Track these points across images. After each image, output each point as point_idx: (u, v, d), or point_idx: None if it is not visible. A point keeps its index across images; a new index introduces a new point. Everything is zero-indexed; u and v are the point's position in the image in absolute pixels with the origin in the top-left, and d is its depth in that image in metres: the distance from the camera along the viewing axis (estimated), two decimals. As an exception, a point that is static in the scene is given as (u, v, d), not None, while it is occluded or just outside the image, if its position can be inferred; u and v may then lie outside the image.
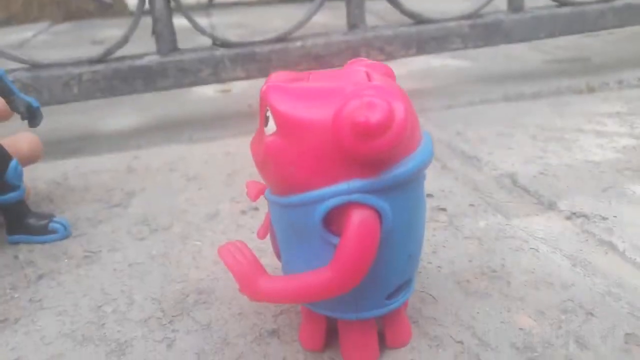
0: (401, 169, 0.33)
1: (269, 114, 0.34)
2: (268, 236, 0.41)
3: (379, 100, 0.30)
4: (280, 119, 0.33)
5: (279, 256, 0.39)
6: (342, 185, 0.32)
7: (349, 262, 0.32)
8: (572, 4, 1.04)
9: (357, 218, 0.32)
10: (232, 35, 0.91)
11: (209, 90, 1.18)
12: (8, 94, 0.56)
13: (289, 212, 0.35)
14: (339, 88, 0.33)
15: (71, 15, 2.62)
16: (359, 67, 0.38)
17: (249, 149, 0.37)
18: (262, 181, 0.38)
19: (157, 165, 0.75)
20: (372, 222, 0.33)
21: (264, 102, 0.34)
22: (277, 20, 2.15)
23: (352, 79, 0.35)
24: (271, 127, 0.33)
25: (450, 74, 1.20)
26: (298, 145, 0.33)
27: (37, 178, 0.73)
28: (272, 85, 0.34)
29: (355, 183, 0.32)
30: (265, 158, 0.34)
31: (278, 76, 0.36)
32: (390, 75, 0.39)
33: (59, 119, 1.00)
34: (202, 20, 2.13)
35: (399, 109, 0.31)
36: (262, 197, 0.40)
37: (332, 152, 0.32)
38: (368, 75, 0.36)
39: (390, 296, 0.36)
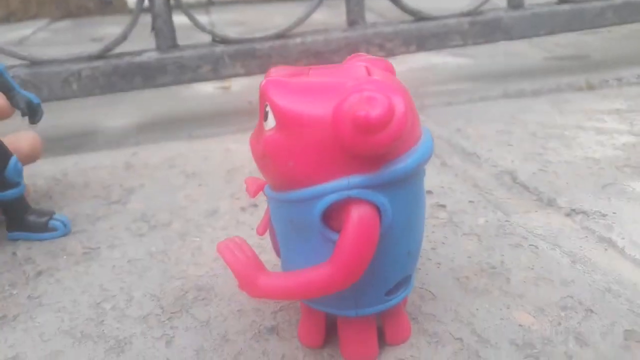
0: (401, 165, 0.33)
1: (268, 108, 0.33)
2: (267, 233, 0.41)
3: (379, 95, 0.30)
4: (279, 114, 0.33)
5: (278, 253, 0.39)
6: (341, 181, 0.32)
7: (349, 258, 0.32)
8: (572, 2, 1.04)
9: (356, 214, 0.32)
10: (232, 33, 0.90)
11: (208, 87, 1.17)
12: (8, 90, 0.56)
13: (288, 208, 0.35)
14: (339, 83, 0.33)
15: (70, 12, 2.61)
16: (358, 62, 0.38)
17: (249, 145, 0.37)
18: (261, 178, 0.38)
19: (156, 162, 0.75)
20: (371, 217, 0.32)
21: (263, 97, 0.34)
22: (277, 17, 2.15)
23: (352, 74, 0.35)
24: (270, 122, 0.33)
25: (450, 71, 1.20)
26: (297, 141, 0.32)
27: (36, 175, 0.72)
28: (272, 79, 0.34)
29: (355, 178, 0.32)
30: (264, 153, 0.34)
31: (278, 71, 0.36)
32: (390, 70, 0.38)
33: (59, 116, 0.99)
34: (202, 18, 2.12)
35: (399, 104, 0.30)
36: (261, 193, 0.40)
37: (332, 148, 0.32)
38: (368, 71, 0.36)
39: (389, 292, 0.36)
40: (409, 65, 1.24)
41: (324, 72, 0.36)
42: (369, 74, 0.35)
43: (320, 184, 0.32)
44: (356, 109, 0.30)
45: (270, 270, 0.35)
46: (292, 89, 0.33)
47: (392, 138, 0.30)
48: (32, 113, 0.57)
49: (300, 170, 0.33)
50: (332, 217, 0.33)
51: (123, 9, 2.77)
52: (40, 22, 2.41)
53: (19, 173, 0.55)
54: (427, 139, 0.35)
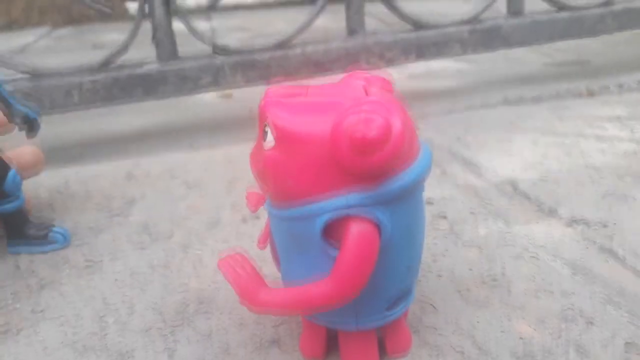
0: (399, 182, 0.33)
1: (267, 128, 0.34)
2: (268, 245, 0.42)
3: (376, 116, 0.30)
4: (278, 134, 0.33)
5: (278, 266, 0.40)
6: (340, 199, 0.32)
7: (348, 274, 0.32)
8: (571, 9, 1.04)
9: (355, 231, 0.32)
10: (234, 39, 0.91)
11: (209, 96, 1.17)
12: (5, 105, 0.56)
13: (289, 224, 0.35)
14: (337, 103, 0.34)
15: (72, 19, 2.62)
16: (356, 81, 0.38)
17: (249, 161, 0.37)
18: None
19: (158, 173, 0.75)
20: (370, 234, 0.33)
21: (262, 117, 0.34)
22: (278, 23, 2.15)
23: (350, 94, 0.35)
24: (270, 141, 0.34)
25: (450, 77, 1.20)
26: (296, 159, 0.33)
27: (38, 186, 0.73)
28: (271, 100, 0.35)
29: (354, 196, 0.32)
30: (264, 171, 0.35)
31: (276, 91, 0.37)
32: (388, 88, 0.39)
33: (60, 126, 1.00)
34: (203, 24, 2.14)
35: (396, 124, 0.31)
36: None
37: (330, 166, 0.32)
38: (365, 89, 0.36)
39: (390, 307, 0.37)
40: (409, 71, 1.25)
41: (322, 91, 0.36)
42: (366, 92, 0.36)
43: (319, 202, 0.33)
44: (353, 130, 0.30)
45: (271, 285, 0.35)
46: (291, 108, 0.34)
47: (390, 158, 0.31)
48: (29, 128, 0.57)
49: (300, 188, 0.33)
50: (332, 233, 0.33)
51: (124, 15, 2.78)
52: (42, 30, 2.42)
53: (18, 186, 0.55)
54: (425, 154, 0.36)
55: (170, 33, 0.88)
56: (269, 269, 0.49)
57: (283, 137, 0.33)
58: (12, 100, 0.57)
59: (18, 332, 0.45)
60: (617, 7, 1.06)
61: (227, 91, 1.17)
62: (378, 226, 0.33)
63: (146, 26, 0.86)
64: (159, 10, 0.85)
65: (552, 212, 0.58)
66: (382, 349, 0.39)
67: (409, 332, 0.40)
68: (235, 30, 2.02)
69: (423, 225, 0.38)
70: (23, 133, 0.59)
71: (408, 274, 0.37)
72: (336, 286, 0.32)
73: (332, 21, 1.33)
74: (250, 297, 0.34)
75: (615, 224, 0.55)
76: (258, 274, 0.35)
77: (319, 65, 0.91)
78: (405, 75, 1.22)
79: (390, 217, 0.33)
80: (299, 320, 0.43)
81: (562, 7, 1.04)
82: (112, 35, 2.09)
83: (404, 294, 0.37)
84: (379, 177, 0.32)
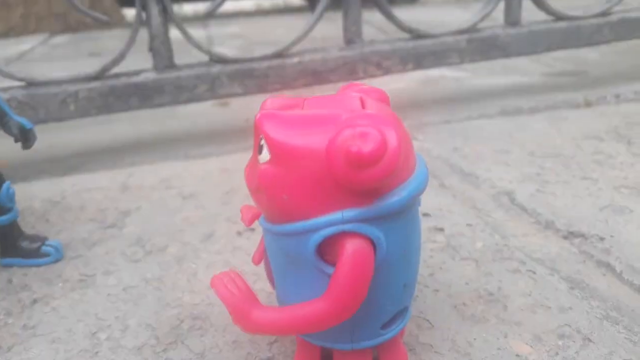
0: (395, 198, 0.33)
1: (263, 142, 0.33)
2: (263, 261, 0.41)
3: (372, 130, 0.30)
4: (273, 148, 0.33)
5: (272, 283, 0.39)
6: (336, 215, 0.32)
7: (343, 293, 0.32)
8: (569, 19, 1.04)
9: (351, 248, 0.32)
10: (231, 47, 0.91)
11: (205, 103, 1.17)
12: (1, 116, 0.56)
13: (283, 241, 0.34)
14: (333, 116, 0.33)
15: (69, 27, 2.62)
16: (353, 93, 0.38)
17: (244, 175, 0.36)
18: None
19: (153, 183, 0.74)
20: (366, 251, 0.32)
21: (258, 130, 0.34)
22: (276, 30, 2.15)
23: (346, 106, 0.35)
24: (265, 155, 0.33)
25: (448, 86, 1.20)
26: (292, 174, 0.32)
27: (33, 197, 0.72)
28: (266, 113, 0.34)
29: (349, 212, 0.32)
30: (258, 186, 0.34)
31: (273, 103, 0.36)
32: (384, 100, 0.38)
33: (55, 136, 0.99)
34: (200, 32, 2.14)
35: (392, 138, 0.30)
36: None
37: (326, 181, 0.32)
38: (362, 101, 0.36)
39: (385, 325, 0.36)
40: (406, 79, 1.24)
41: (318, 103, 0.36)
42: (363, 105, 0.35)
43: (314, 218, 0.32)
44: (349, 144, 0.30)
45: (265, 303, 0.34)
46: (287, 122, 0.33)
47: (385, 173, 0.30)
48: (25, 138, 0.57)
49: (295, 204, 0.33)
50: (327, 250, 0.33)
51: (121, 22, 2.79)
52: (40, 37, 2.42)
53: (11, 198, 0.55)
54: (421, 169, 0.35)
55: (167, 42, 0.87)
56: (263, 284, 0.48)
57: (278, 151, 0.33)
58: (8, 111, 0.56)
59: (9, 349, 0.44)
60: (614, 17, 1.06)
61: (223, 99, 1.17)
62: (374, 243, 0.33)
63: (143, 33, 0.86)
64: (156, 20, 0.85)
65: (549, 225, 0.58)
66: (377, 366, 0.38)
67: (405, 351, 0.39)
68: (233, 38, 2.02)
69: (419, 241, 0.37)
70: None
71: (404, 291, 0.36)
72: (331, 306, 0.32)
73: (330, 28, 1.33)
74: (242, 316, 0.33)
75: (612, 237, 0.54)
76: (251, 292, 0.35)
77: (316, 74, 0.91)
78: (404, 84, 1.22)
79: (386, 234, 0.33)
80: (293, 338, 0.42)
81: (559, 17, 1.04)
82: (109, 42, 2.09)
83: (400, 312, 0.37)
84: (376, 192, 0.32)
